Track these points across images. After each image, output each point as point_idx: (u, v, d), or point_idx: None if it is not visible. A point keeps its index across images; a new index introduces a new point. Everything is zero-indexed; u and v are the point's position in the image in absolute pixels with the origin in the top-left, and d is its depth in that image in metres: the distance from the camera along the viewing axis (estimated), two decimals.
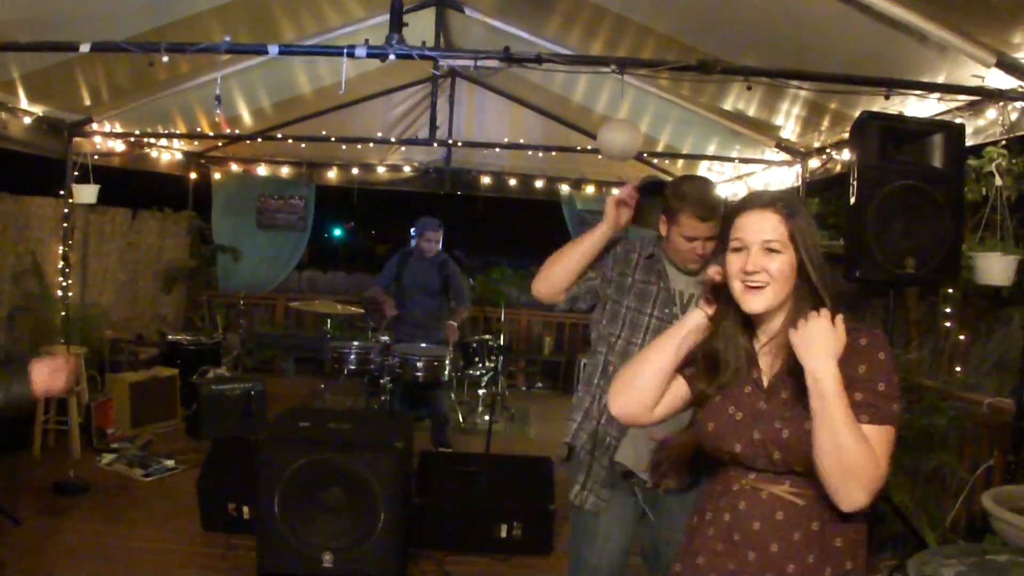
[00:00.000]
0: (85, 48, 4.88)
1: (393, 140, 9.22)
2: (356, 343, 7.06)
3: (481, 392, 8.93)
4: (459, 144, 9.04)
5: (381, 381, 6.72)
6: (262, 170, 10.92)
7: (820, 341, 1.91)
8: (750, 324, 2.18)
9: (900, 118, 4.57)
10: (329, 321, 7.42)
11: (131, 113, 7.95)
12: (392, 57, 4.77)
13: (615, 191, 3.27)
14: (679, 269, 3.29)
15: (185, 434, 7.50)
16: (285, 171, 10.97)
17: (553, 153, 9.58)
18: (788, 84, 5.10)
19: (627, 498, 3.30)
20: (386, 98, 9.46)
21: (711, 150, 8.37)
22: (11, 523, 5.22)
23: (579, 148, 9.03)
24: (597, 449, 3.29)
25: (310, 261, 12.91)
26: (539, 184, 10.78)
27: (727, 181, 9.36)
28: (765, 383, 2.13)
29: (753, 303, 2.08)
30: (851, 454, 1.87)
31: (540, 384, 10.90)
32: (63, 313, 7.54)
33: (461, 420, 8.48)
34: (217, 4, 6.08)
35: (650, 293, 3.29)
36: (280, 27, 6.80)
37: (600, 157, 8.98)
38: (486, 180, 10.79)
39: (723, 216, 2.18)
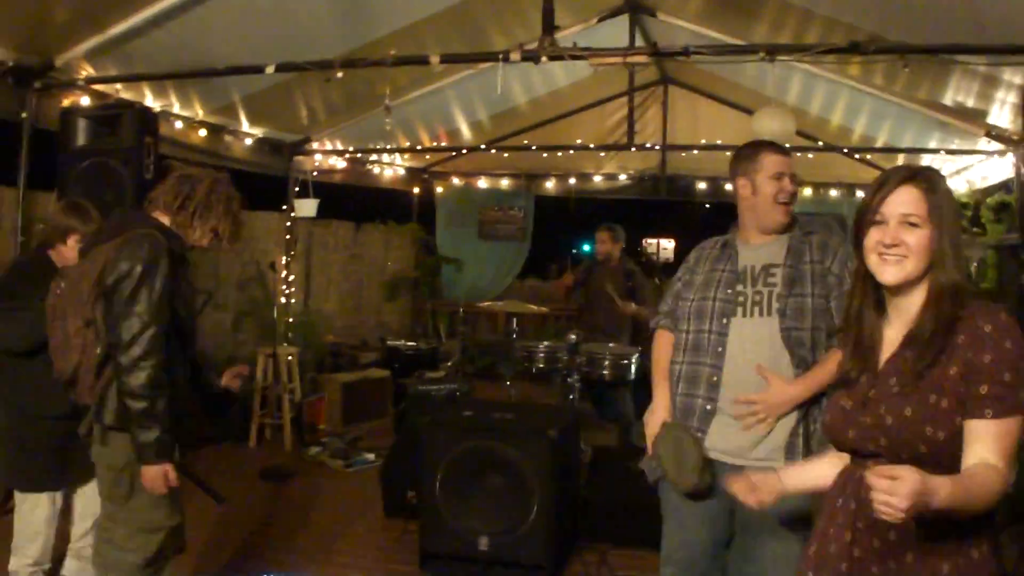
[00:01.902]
0: (270, 70, 5.31)
1: (591, 146, 9.35)
2: (545, 343, 7.16)
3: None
4: (655, 148, 9.05)
5: (568, 380, 6.79)
6: (483, 183, 11.34)
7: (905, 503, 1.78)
8: (883, 307, 2.18)
9: None
10: (515, 320, 7.58)
11: (350, 130, 8.50)
12: (545, 59, 4.90)
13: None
14: (757, 240, 3.27)
15: (393, 431, 7.86)
16: (505, 183, 11.35)
17: None
18: (951, 59, 4.79)
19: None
20: (600, 108, 9.59)
21: (919, 143, 7.97)
22: (216, 502, 5.71)
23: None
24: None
25: (531, 269, 13.11)
26: None
27: None
28: (880, 367, 2.12)
29: (888, 274, 2.08)
30: (984, 505, 1.88)
31: None
32: (289, 319, 8.16)
33: None
34: (429, 14, 6.40)
35: (715, 279, 3.26)
36: (490, 37, 7.01)
37: (811, 156, 8.84)
38: (702, 186, 10.66)
39: (867, 193, 2.17)
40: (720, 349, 3.14)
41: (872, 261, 2.09)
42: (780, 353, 3.09)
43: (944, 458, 1.94)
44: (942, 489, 1.75)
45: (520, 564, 4.68)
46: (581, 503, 5.32)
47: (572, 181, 10.98)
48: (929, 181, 2.06)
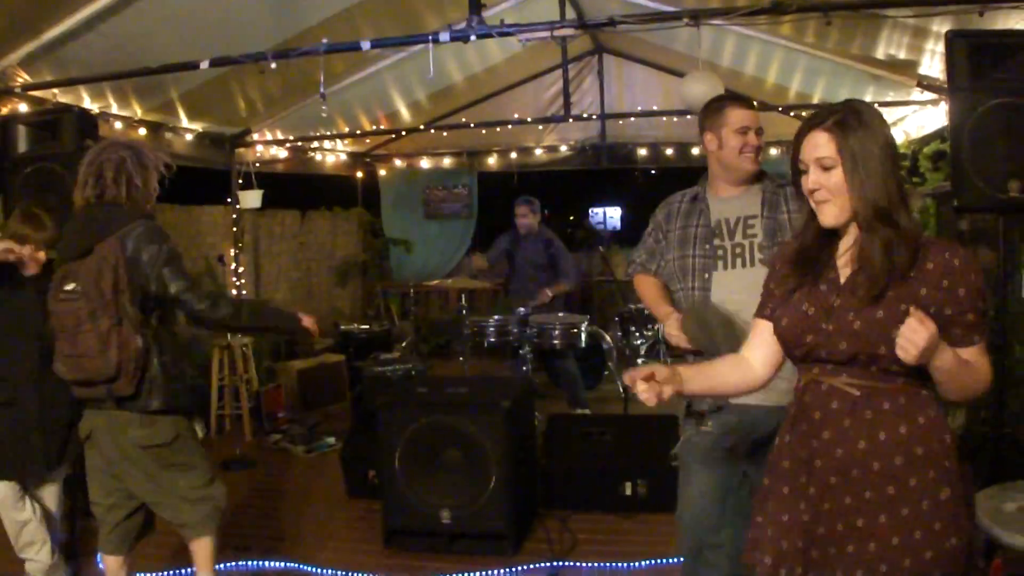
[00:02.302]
0: (204, 65, 5.35)
1: (529, 120, 9.44)
2: (495, 317, 7.27)
3: (640, 361, 8.96)
4: (593, 117, 9.16)
5: (521, 352, 6.92)
6: (425, 163, 11.39)
7: (923, 344, 1.94)
8: (836, 233, 2.28)
9: (990, 33, 4.34)
10: (463, 297, 7.66)
11: (289, 119, 8.49)
12: (473, 38, 4.98)
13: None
14: (727, 192, 3.34)
15: (351, 414, 7.94)
16: (447, 162, 11.42)
17: None
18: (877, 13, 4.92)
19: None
20: (537, 81, 9.67)
21: (854, 97, 8.08)
22: None
23: None
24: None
25: (479, 246, 13.23)
26: (695, 151, 10.65)
27: None
28: (842, 281, 2.23)
29: (823, 217, 2.21)
30: (977, 388, 2.13)
31: None
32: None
33: (622, 390, 8.54)
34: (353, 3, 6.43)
35: (690, 235, 3.35)
36: (423, 17, 7.02)
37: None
38: (642, 152, 10.75)
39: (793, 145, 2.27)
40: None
41: (813, 206, 2.23)
42: None
43: (896, 364, 2.06)
44: (947, 351, 2.01)
45: (483, 535, 4.80)
46: (539, 471, 5.45)
47: (514, 156, 11.08)
48: (840, 121, 2.14)
